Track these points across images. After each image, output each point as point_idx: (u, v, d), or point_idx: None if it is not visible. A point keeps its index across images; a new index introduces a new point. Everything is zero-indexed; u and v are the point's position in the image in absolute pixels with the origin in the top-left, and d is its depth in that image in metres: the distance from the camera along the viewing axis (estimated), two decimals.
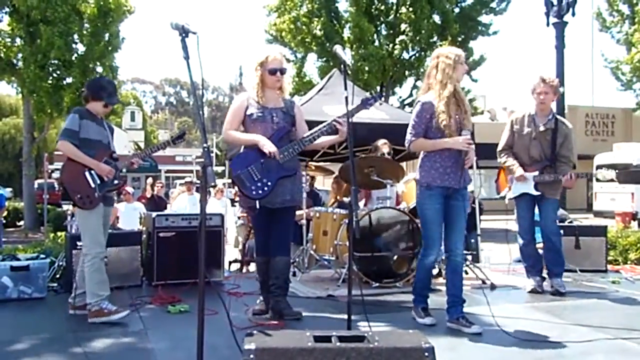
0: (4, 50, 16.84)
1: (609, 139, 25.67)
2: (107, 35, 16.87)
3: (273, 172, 3.96)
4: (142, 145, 37.66)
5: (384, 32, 19.78)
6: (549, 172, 4.94)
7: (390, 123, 7.23)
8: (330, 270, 5.79)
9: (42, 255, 5.09)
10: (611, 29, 19.98)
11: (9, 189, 26.10)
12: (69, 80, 16.63)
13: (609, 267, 6.24)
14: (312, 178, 7.67)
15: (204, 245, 2.52)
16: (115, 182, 4.22)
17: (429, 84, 3.95)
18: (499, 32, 20.76)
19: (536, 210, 5.11)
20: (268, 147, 3.89)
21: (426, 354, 2.30)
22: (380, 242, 5.25)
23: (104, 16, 16.62)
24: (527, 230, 5.11)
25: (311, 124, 4.22)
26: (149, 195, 11.51)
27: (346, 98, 3.46)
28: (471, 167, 4.08)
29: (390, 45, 19.10)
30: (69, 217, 9.75)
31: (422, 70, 18.70)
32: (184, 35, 2.69)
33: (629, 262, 6.69)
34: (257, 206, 3.96)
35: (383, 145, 5.94)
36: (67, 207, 10.45)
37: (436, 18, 19.15)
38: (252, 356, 2.25)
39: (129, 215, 9.72)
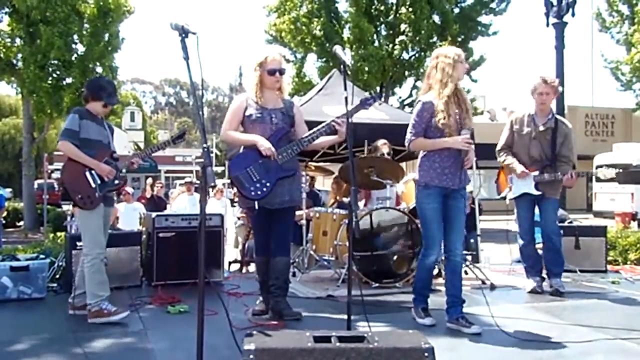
0: (4, 50, 16.84)
1: (609, 139, 25.67)
2: (106, 35, 16.88)
3: (272, 172, 3.95)
4: (141, 145, 37.63)
5: (383, 33, 19.78)
6: (549, 171, 4.95)
7: (390, 123, 7.24)
8: (330, 270, 5.79)
9: (41, 256, 5.09)
10: (611, 29, 19.99)
11: (9, 190, 26.10)
12: (69, 80, 16.63)
13: (609, 267, 6.24)
14: (312, 178, 7.67)
15: (204, 246, 2.52)
16: (116, 182, 4.22)
17: (429, 85, 3.95)
18: (499, 32, 20.75)
19: (536, 210, 5.12)
20: (266, 147, 3.89)
21: (426, 354, 2.30)
22: (380, 243, 5.25)
23: (103, 16, 16.63)
24: (527, 231, 5.11)
25: (311, 124, 4.22)
26: (148, 196, 11.52)
27: (346, 98, 3.47)
28: (471, 168, 4.09)
29: (390, 46, 19.10)
30: (68, 218, 9.74)
31: (421, 70, 18.70)
32: (183, 35, 2.69)
33: (628, 262, 6.69)
34: (256, 207, 3.97)
35: (383, 146, 5.94)
36: (66, 207, 10.46)
37: (436, 18, 19.15)
38: (251, 356, 2.25)
39: (129, 215, 9.72)
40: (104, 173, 4.10)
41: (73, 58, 16.51)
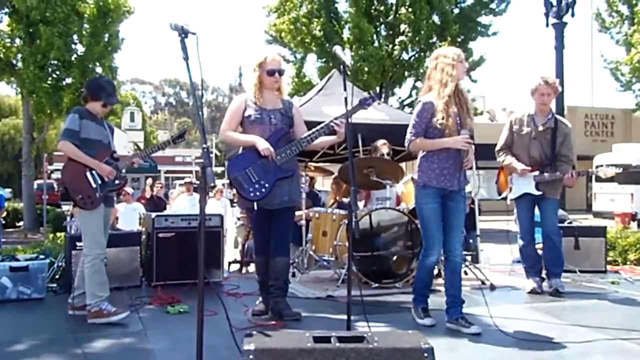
0: (4, 50, 16.82)
1: (609, 139, 25.68)
2: (106, 35, 16.86)
3: (271, 173, 3.95)
4: (141, 145, 37.63)
5: (383, 33, 19.77)
6: (549, 171, 4.94)
7: (390, 124, 7.23)
8: (329, 270, 5.79)
9: (41, 256, 5.09)
10: (610, 29, 19.99)
11: (9, 190, 26.10)
12: (69, 80, 16.62)
13: (609, 267, 6.24)
14: (312, 179, 7.67)
15: (204, 246, 2.52)
16: (117, 182, 4.21)
17: (429, 85, 3.94)
18: (499, 32, 20.72)
19: (536, 210, 5.12)
20: (265, 148, 3.89)
21: (425, 354, 2.30)
22: (379, 243, 5.25)
23: (103, 17, 16.61)
24: (527, 231, 5.11)
25: (310, 125, 4.22)
26: (148, 196, 11.50)
27: (345, 99, 3.47)
28: (470, 168, 4.09)
29: (390, 46, 19.10)
30: (68, 218, 9.74)
31: (421, 70, 18.70)
32: (183, 35, 2.69)
33: (628, 262, 6.69)
34: (255, 207, 3.96)
35: (382, 146, 5.93)
36: (66, 207, 10.46)
37: (435, 19, 19.14)
38: (251, 357, 2.25)
39: (129, 215, 9.71)
40: (104, 173, 4.09)
41: (73, 58, 16.49)
